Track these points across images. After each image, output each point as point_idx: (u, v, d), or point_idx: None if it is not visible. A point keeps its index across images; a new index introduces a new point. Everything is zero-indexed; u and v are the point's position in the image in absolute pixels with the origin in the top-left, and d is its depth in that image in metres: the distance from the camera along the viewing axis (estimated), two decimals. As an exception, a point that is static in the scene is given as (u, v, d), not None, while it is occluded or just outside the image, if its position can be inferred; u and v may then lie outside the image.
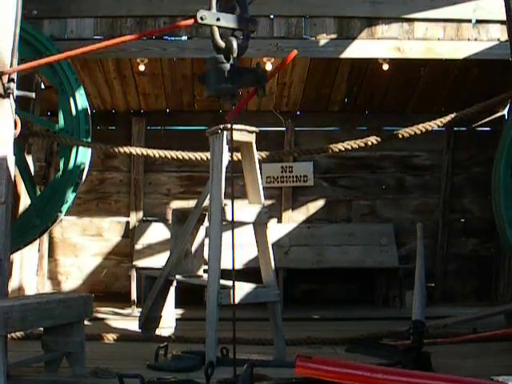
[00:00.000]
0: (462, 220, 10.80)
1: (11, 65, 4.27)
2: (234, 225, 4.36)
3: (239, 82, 3.93)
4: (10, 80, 4.24)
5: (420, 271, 5.39)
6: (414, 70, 9.67)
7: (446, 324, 7.09)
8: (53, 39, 7.42)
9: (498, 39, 7.79)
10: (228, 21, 3.88)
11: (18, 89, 4.40)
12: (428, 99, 10.41)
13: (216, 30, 3.88)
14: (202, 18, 3.80)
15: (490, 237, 10.36)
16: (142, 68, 8.95)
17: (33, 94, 5.25)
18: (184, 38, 7.86)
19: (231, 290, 4.92)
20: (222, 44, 3.88)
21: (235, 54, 3.91)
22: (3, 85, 4.17)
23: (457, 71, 9.68)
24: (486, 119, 10.26)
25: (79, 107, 7.22)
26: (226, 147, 5.23)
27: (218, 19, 3.84)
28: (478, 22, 7.85)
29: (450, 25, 7.84)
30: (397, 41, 7.83)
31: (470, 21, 7.87)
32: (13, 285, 8.04)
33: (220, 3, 3.92)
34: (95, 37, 7.74)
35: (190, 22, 4.03)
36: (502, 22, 7.56)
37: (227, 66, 3.89)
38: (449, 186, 10.71)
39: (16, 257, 8.09)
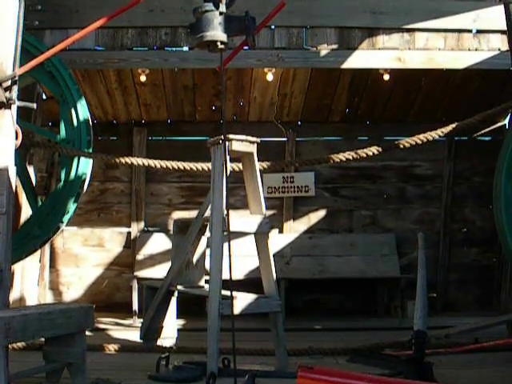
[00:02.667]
0: (464, 230, 10.81)
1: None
2: (230, 235, 4.35)
3: (228, 30, 3.91)
4: (12, 90, 4.24)
5: (422, 281, 5.38)
6: (415, 80, 9.69)
7: (447, 334, 7.06)
8: (54, 49, 7.43)
9: (499, 49, 7.80)
10: None
11: (19, 99, 4.41)
12: (429, 109, 10.42)
13: None
14: None
15: (492, 246, 10.35)
16: (143, 78, 8.97)
17: (34, 105, 5.25)
18: (185, 48, 7.87)
19: (233, 301, 4.91)
20: None
21: (224, 1, 3.89)
22: (4, 95, 4.18)
23: (458, 81, 9.70)
24: (487, 129, 10.27)
25: (81, 118, 7.21)
26: (227, 158, 5.23)
27: None
28: (479, 31, 7.86)
29: (451, 35, 7.85)
30: (398, 51, 7.83)
31: (470, 31, 7.88)
32: (14, 295, 8.03)
33: None
34: (96, 47, 7.76)
35: None
36: (502, 32, 7.57)
37: (216, 13, 3.87)
38: (450, 196, 10.72)
39: (17, 267, 8.08)
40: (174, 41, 7.86)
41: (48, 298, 10.17)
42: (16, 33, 4.35)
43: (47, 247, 9.70)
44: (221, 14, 3.86)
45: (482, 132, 10.48)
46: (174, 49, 7.90)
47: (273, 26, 7.83)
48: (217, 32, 3.83)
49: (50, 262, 10.23)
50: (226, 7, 3.90)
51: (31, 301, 8.65)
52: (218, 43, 3.92)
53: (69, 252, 10.56)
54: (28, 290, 8.64)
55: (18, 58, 4.41)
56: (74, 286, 10.51)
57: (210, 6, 3.87)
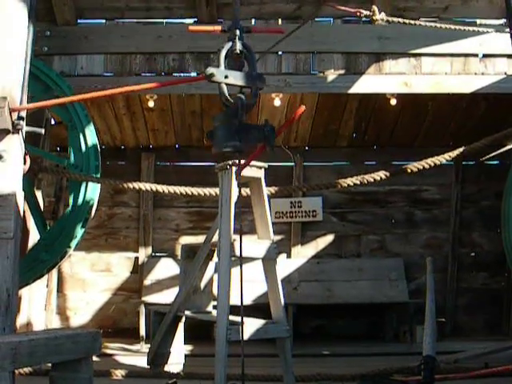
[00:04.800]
0: (472, 254, 10.76)
1: (21, 101, 4.29)
2: (241, 260, 4.34)
3: (247, 140, 3.95)
4: (20, 116, 4.26)
5: (430, 306, 5.36)
6: (422, 104, 9.71)
7: (457, 359, 7.02)
8: (63, 75, 7.49)
9: (505, 73, 7.84)
10: (236, 78, 3.91)
11: (27, 124, 4.43)
12: (436, 133, 10.43)
13: (224, 87, 3.91)
14: (210, 75, 3.83)
15: (501, 270, 10.31)
16: (151, 104, 9.02)
17: (42, 130, 5.27)
18: (193, 74, 7.93)
19: (240, 326, 4.89)
20: (231, 101, 3.91)
21: (243, 112, 3.93)
22: (13, 121, 4.19)
23: (464, 105, 9.72)
24: (495, 153, 10.25)
25: (89, 143, 7.24)
26: (234, 183, 5.23)
27: (226, 76, 3.87)
28: (485, 56, 7.90)
29: (457, 59, 7.89)
30: (404, 76, 7.87)
31: (476, 55, 7.92)
32: (21, 320, 8.02)
33: (229, 60, 3.96)
34: (105, 73, 7.83)
35: (200, 78, 4.07)
36: (508, 56, 7.62)
37: (235, 123, 3.91)
38: (458, 220, 10.69)
39: (24, 292, 8.08)
40: (181, 66, 7.92)
41: (55, 323, 10.15)
42: (25, 59, 4.38)
43: (54, 272, 9.69)
44: (240, 123, 3.90)
45: (490, 156, 10.47)
46: (181, 74, 7.96)
47: (280, 52, 7.89)
48: (235, 143, 3.87)
49: (57, 286, 10.21)
50: (245, 113, 3.93)
51: (38, 326, 8.64)
52: (237, 154, 3.97)
53: (76, 277, 10.54)
54: (35, 315, 8.63)
55: (27, 83, 4.43)
56: (82, 311, 10.49)
57: (229, 115, 3.92)
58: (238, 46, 3.94)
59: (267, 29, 4.39)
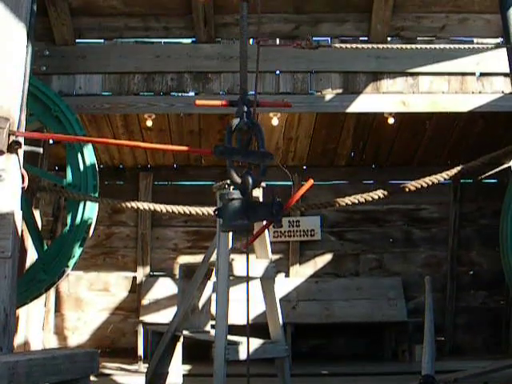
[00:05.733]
0: (471, 272, 10.75)
1: (20, 120, 4.30)
2: (248, 279, 4.33)
3: (254, 217, 3.96)
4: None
5: (429, 325, 5.34)
6: (420, 123, 9.74)
7: (456, 378, 6.98)
8: (61, 95, 7.50)
9: (502, 91, 7.86)
10: (244, 156, 3.92)
11: (26, 143, 4.43)
12: (434, 152, 10.45)
13: (232, 169, 3.93)
14: (220, 153, 3.84)
15: (499, 289, 10.30)
16: (149, 123, 9.03)
17: (40, 149, 5.28)
18: (191, 93, 7.94)
19: (240, 346, 4.88)
20: (239, 180, 3.91)
21: (251, 190, 3.94)
22: (11, 139, 4.20)
23: (462, 123, 9.75)
24: (492, 171, 10.27)
25: (87, 162, 7.23)
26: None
27: (234, 154, 3.89)
28: (482, 74, 7.92)
29: (454, 78, 7.91)
30: (402, 95, 7.89)
31: (473, 74, 7.94)
32: (19, 340, 7.98)
33: (236, 137, 3.98)
34: (103, 93, 7.84)
35: (208, 152, 4.09)
36: (505, 75, 7.63)
37: (243, 201, 3.92)
38: (456, 239, 10.69)
39: (22, 311, 8.04)
40: (180, 86, 7.94)
41: (53, 342, 10.11)
42: (23, 78, 4.39)
43: (52, 291, 9.66)
44: (247, 201, 3.92)
45: (488, 174, 10.48)
46: (180, 94, 7.97)
47: (278, 72, 7.91)
48: (243, 221, 3.89)
49: (55, 306, 10.19)
50: (252, 188, 3.95)
51: (36, 345, 8.59)
52: (244, 232, 4.01)
53: (74, 296, 10.52)
54: (33, 335, 8.58)
55: (25, 103, 4.44)
56: (79, 331, 10.45)
57: (237, 194, 3.94)
58: (246, 123, 3.94)
59: (275, 103, 4.42)
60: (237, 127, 3.92)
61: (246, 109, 3.92)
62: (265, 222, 4.33)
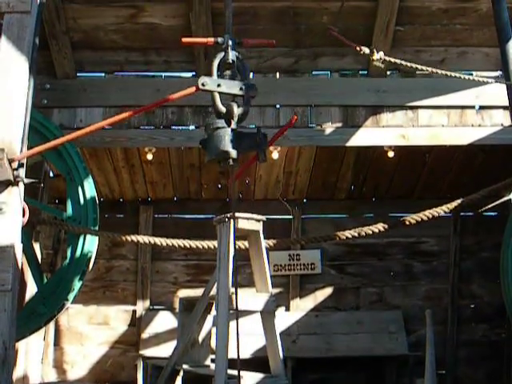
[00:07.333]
0: (472, 305, 10.71)
1: (21, 153, 4.32)
2: (238, 313, 4.32)
3: (239, 147, 3.98)
4: (20, 167, 4.28)
5: (430, 358, 5.33)
6: (419, 156, 9.76)
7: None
8: (62, 128, 7.53)
9: (502, 124, 7.89)
10: (229, 87, 3.99)
11: (26, 177, 4.44)
12: (434, 185, 10.46)
13: (217, 95, 3.99)
14: (203, 85, 3.91)
15: (501, 322, 10.24)
16: (149, 157, 9.05)
17: (41, 183, 5.29)
18: (192, 127, 7.97)
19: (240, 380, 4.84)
20: (223, 109, 3.97)
21: (236, 119, 3.98)
22: (13, 173, 4.21)
23: (461, 156, 9.77)
24: (493, 204, 10.27)
25: (87, 196, 7.26)
26: (232, 236, 5.24)
27: (218, 85, 3.96)
28: (482, 107, 7.95)
29: (454, 111, 7.95)
30: (401, 128, 7.91)
31: (473, 107, 7.97)
32: (18, 373, 7.95)
33: (221, 70, 4.05)
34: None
35: (192, 89, 4.13)
36: (504, 108, 7.66)
37: (228, 130, 3.95)
38: (457, 272, 10.66)
39: (21, 345, 8.01)
40: (180, 120, 7.97)
41: (52, 376, 10.04)
42: (25, 111, 4.42)
43: (52, 325, 9.62)
44: (232, 130, 3.96)
45: (488, 207, 10.48)
46: (180, 127, 8.00)
47: (278, 105, 7.94)
48: (228, 149, 3.92)
49: (54, 339, 10.13)
50: (238, 123, 4.00)
51: (35, 379, 8.56)
52: (230, 160, 4.01)
53: (73, 330, 10.45)
54: (32, 368, 8.55)
55: (26, 136, 4.46)
56: (79, 365, 10.37)
57: (222, 122, 3.98)
58: (231, 56, 4.02)
59: (258, 41, 4.46)
60: (222, 60, 4.00)
61: (230, 43, 4.06)
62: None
